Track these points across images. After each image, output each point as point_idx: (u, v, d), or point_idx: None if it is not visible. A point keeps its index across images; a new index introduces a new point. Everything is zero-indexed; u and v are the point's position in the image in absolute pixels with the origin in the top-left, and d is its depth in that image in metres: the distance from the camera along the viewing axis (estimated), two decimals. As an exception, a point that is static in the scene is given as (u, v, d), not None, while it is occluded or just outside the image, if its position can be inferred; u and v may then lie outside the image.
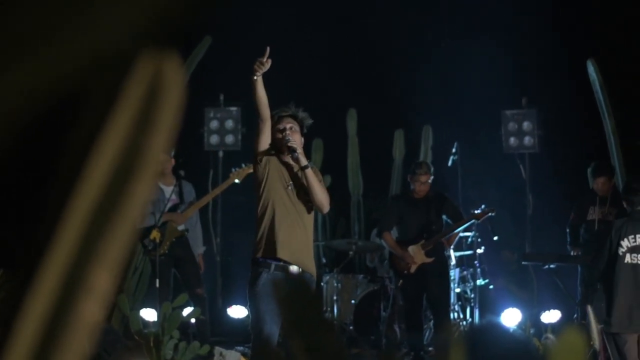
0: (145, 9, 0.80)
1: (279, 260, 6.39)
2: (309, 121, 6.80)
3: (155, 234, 9.69)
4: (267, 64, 6.22)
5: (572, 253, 10.54)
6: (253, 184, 6.68)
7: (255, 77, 6.22)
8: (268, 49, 6.21)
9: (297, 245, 6.46)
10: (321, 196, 6.51)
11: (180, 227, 10.17)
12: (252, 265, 6.53)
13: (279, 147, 6.58)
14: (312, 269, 6.61)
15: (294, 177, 6.58)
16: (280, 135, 6.55)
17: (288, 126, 6.59)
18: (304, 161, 6.47)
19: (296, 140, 6.55)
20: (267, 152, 6.54)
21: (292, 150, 6.46)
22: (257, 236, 6.49)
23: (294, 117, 6.68)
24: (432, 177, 10.30)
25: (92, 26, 0.78)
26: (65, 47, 0.76)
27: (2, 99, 0.76)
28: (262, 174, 6.48)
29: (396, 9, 14.41)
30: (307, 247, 6.59)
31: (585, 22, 13.43)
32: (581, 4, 13.79)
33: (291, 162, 6.61)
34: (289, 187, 6.52)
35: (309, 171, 6.46)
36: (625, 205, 8.39)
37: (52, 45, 0.76)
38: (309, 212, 6.61)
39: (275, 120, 6.58)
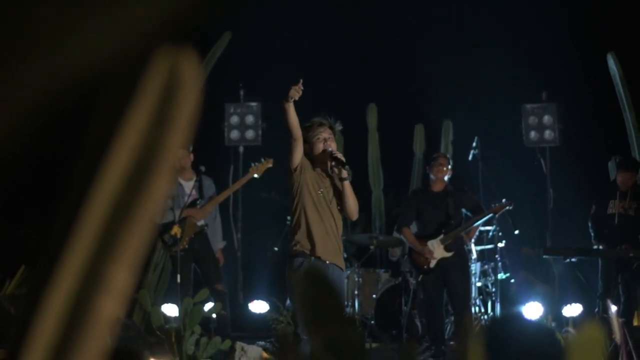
0: (163, 4, 0.80)
1: (318, 258, 6.68)
2: (339, 127, 7.05)
3: (175, 230, 9.68)
4: (301, 91, 6.36)
5: (595, 247, 10.47)
6: (287, 187, 6.89)
7: (289, 102, 6.35)
8: (301, 80, 6.37)
9: (330, 247, 6.74)
10: (353, 207, 6.84)
11: (200, 223, 10.14)
12: (290, 257, 6.83)
13: (318, 154, 6.79)
14: (343, 266, 6.96)
15: (326, 183, 6.82)
16: (321, 146, 6.77)
17: (328, 136, 6.82)
18: (345, 173, 6.69)
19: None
20: (301, 161, 6.74)
21: (340, 163, 6.70)
22: (293, 239, 6.79)
23: (331, 128, 6.89)
24: (450, 170, 10.28)
25: (110, 22, 0.78)
26: (82, 43, 0.76)
27: (19, 96, 0.76)
28: (297, 180, 6.71)
29: (416, 4, 14.37)
30: (339, 248, 6.87)
31: (606, 15, 13.36)
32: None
33: (328, 169, 6.84)
34: (321, 193, 6.75)
35: (347, 183, 6.73)
36: None
37: (69, 41, 0.76)
38: (340, 215, 6.88)
39: (315, 127, 6.82)
